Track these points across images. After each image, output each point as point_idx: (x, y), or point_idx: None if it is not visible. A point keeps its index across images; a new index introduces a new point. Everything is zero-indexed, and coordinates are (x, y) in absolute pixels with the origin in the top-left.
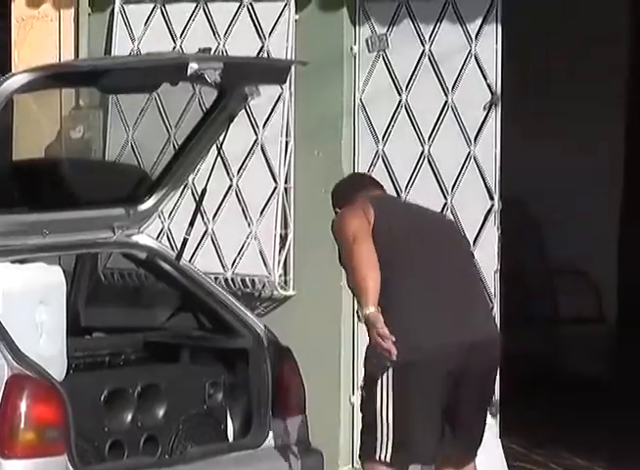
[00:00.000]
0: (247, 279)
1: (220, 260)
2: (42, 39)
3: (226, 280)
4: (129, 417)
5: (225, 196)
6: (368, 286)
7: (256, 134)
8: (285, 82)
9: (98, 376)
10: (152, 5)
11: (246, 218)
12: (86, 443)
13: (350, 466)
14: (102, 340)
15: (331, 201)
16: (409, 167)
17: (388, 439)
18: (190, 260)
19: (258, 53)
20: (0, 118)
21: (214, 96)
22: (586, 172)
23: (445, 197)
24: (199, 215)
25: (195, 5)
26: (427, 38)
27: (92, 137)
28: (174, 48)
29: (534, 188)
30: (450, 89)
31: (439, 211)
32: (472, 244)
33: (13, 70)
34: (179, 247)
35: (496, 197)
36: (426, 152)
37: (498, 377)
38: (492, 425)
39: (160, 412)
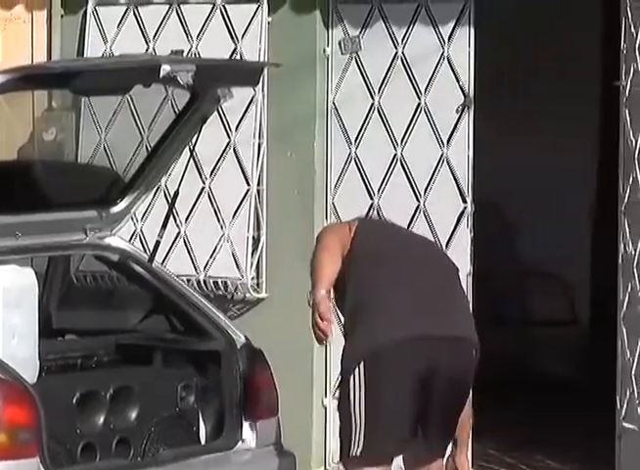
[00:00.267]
0: (219, 281)
1: (193, 263)
2: (15, 41)
3: (199, 282)
4: (101, 420)
5: (198, 198)
6: (324, 272)
7: (229, 136)
8: (257, 84)
9: (70, 378)
10: (124, 7)
11: (218, 221)
12: (58, 445)
13: (323, 468)
14: (74, 342)
15: None
16: (382, 170)
17: (360, 434)
18: (162, 263)
19: (231, 55)
20: None
21: (187, 98)
22: (559, 174)
23: (418, 199)
24: (171, 218)
25: (168, 7)
26: (399, 41)
27: (64, 139)
28: (147, 50)
29: (507, 190)
30: (423, 91)
31: (413, 213)
32: (444, 246)
33: None
34: (152, 249)
35: (469, 199)
36: (398, 154)
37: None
38: None
39: (133, 415)
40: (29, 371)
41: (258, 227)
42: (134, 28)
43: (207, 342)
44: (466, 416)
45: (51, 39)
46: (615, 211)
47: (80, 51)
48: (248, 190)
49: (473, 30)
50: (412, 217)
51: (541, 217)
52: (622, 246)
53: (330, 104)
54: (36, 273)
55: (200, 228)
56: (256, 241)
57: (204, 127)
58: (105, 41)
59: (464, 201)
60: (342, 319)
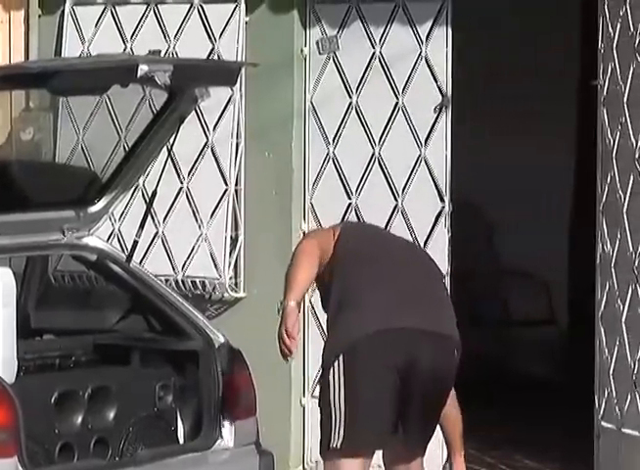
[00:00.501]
0: (197, 281)
1: (171, 263)
2: None
3: (177, 282)
4: (79, 419)
5: (176, 198)
6: (298, 278)
7: (207, 136)
8: (235, 84)
9: (48, 378)
10: (102, 7)
11: (196, 220)
12: (36, 445)
13: (301, 468)
14: (52, 342)
15: None
16: (360, 169)
17: (340, 427)
18: (140, 263)
19: (209, 55)
20: None
21: (164, 98)
22: (536, 173)
23: (396, 199)
24: (149, 218)
25: (145, 7)
26: (377, 40)
27: (42, 139)
28: (124, 50)
29: (484, 190)
30: (401, 91)
31: (391, 213)
32: (422, 246)
33: None
34: (129, 249)
35: (447, 199)
36: (376, 154)
37: None
38: None
39: (111, 415)
40: (8, 371)
41: (236, 227)
42: (111, 28)
43: (186, 342)
44: (457, 420)
45: (28, 39)
46: (592, 210)
47: (58, 51)
48: (225, 190)
49: (450, 30)
50: (390, 217)
51: (519, 217)
52: (600, 245)
53: (308, 103)
54: (14, 273)
55: (178, 228)
56: (234, 241)
57: (181, 127)
58: (82, 41)
59: (442, 200)
60: (326, 317)
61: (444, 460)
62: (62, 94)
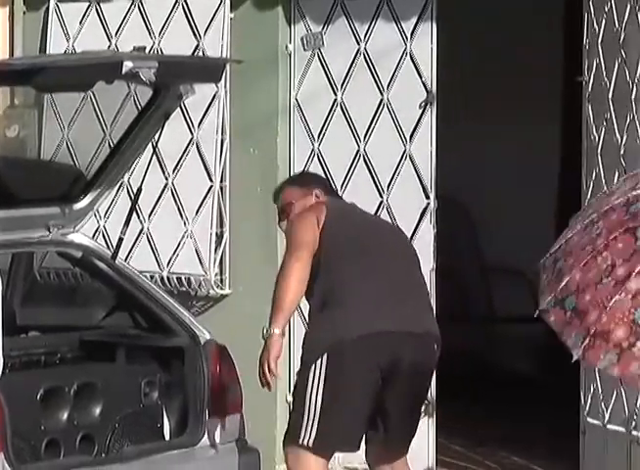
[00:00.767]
0: (182, 278)
1: (156, 259)
2: None
3: (162, 279)
4: (65, 416)
5: (161, 195)
6: (285, 306)
7: (192, 133)
8: (220, 81)
9: (34, 375)
10: (86, 3)
11: (181, 217)
12: (22, 441)
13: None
14: (38, 339)
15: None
16: (345, 166)
17: (313, 424)
18: (126, 259)
19: (194, 51)
20: None
21: (149, 95)
22: (522, 170)
23: (381, 195)
24: (134, 214)
25: (130, 3)
26: (362, 37)
27: (27, 136)
28: (109, 46)
29: (470, 186)
30: (386, 87)
31: (376, 209)
32: None
33: None
34: (115, 246)
35: (432, 195)
36: (361, 150)
37: (434, 375)
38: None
39: (97, 411)
40: None
41: (221, 224)
42: (96, 25)
43: (171, 338)
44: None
45: (13, 36)
46: (578, 206)
47: (43, 48)
48: (210, 186)
49: (435, 26)
50: (375, 213)
51: (505, 214)
52: None
53: (292, 100)
54: None
55: (163, 225)
56: (220, 237)
57: (166, 124)
58: (67, 38)
59: (427, 197)
60: (309, 308)
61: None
62: (47, 91)
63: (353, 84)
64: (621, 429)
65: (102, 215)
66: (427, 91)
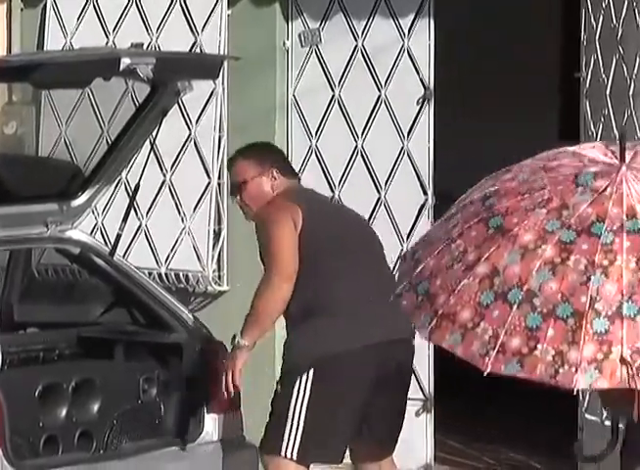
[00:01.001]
0: (180, 274)
1: (154, 256)
2: None
3: (160, 275)
4: (64, 412)
5: (159, 191)
6: (265, 324)
7: (189, 129)
8: (217, 77)
9: (32, 371)
10: (84, 0)
11: (179, 214)
12: (21, 438)
13: None
14: (36, 335)
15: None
16: (342, 162)
17: (296, 436)
18: (124, 256)
19: (191, 48)
20: None
21: (147, 91)
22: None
23: (379, 192)
24: (132, 211)
25: (127, 0)
26: (359, 33)
27: (25, 133)
28: (107, 43)
29: (469, 183)
30: (383, 84)
31: (374, 206)
32: (405, 238)
33: None
34: (113, 242)
35: (430, 192)
36: (359, 147)
37: (432, 372)
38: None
39: (95, 407)
40: None
41: (219, 220)
42: (94, 21)
43: (169, 334)
44: None
45: (10, 33)
46: None
47: (40, 44)
48: (208, 183)
49: (433, 23)
50: (373, 210)
51: None
52: None
53: (290, 97)
54: None
55: (161, 221)
56: (217, 234)
57: (164, 120)
58: (65, 34)
59: (425, 193)
60: (289, 314)
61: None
62: (44, 87)
63: (351, 81)
64: (620, 426)
65: (100, 212)
66: (424, 88)
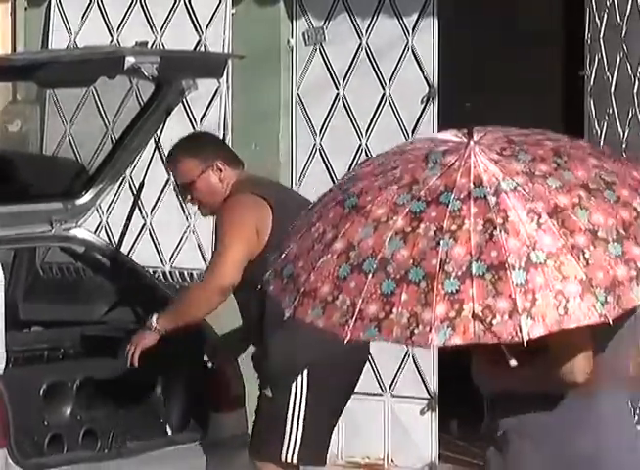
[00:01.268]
0: (185, 273)
1: (159, 254)
2: None
3: (164, 274)
4: (68, 411)
5: (163, 190)
6: (182, 319)
7: (194, 128)
8: (222, 76)
9: (37, 370)
10: None
11: (184, 212)
12: (26, 436)
13: None
14: (40, 334)
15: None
16: (347, 161)
17: (296, 440)
18: (128, 254)
19: (195, 47)
20: None
21: (151, 90)
22: None
23: None
24: (137, 209)
25: None
26: (364, 31)
27: (29, 131)
28: (111, 41)
29: None
30: (387, 82)
31: None
32: None
33: None
34: (117, 240)
35: None
36: (363, 145)
37: (436, 371)
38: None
39: (100, 406)
40: None
41: None
42: (98, 20)
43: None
44: None
45: (15, 31)
46: None
47: (45, 43)
48: None
49: (437, 21)
50: None
51: None
52: None
53: (294, 95)
54: (2, 265)
55: (165, 220)
56: None
57: (168, 119)
58: (69, 33)
59: None
60: (259, 323)
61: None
62: (49, 86)
63: (355, 79)
64: None
65: (104, 210)
66: (429, 86)
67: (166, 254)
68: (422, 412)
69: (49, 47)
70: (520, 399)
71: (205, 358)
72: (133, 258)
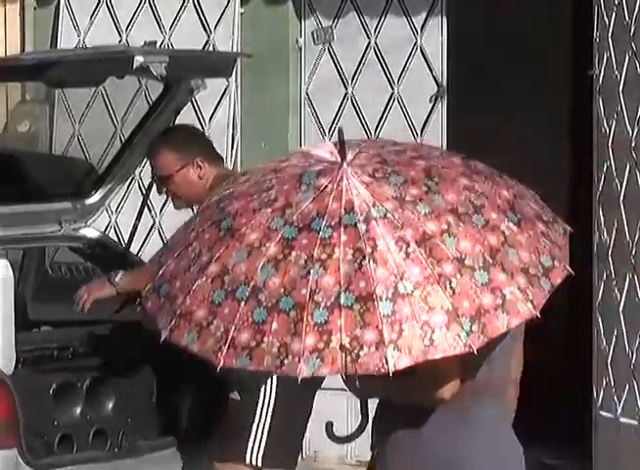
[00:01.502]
0: None
1: None
2: None
3: None
4: (78, 411)
5: None
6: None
7: (203, 127)
8: (230, 75)
9: (46, 370)
10: None
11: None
12: (36, 436)
13: (300, 458)
14: (50, 333)
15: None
16: None
17: (261, 443)
18: (137, 254)
19: (204, 46)
20: None
21: (160, 89)
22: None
23: None
24: (146, 209)
25: None
26: (372, 31)
27: (38, 131)
28: (120, 41)
29: None
30: (396, 82)
31: None
32: None
33: None
34: (126, 240)
35: None
36: None
37: None
38: None
39: (109, 406)
40: (6, 362)
41: None
42: (107, 20)
43: None
44: None
45: (24, 31)
46: (588, 197)
47: (53, 43)
48: None
49: (445, 20)
50: None
51: None
52: (597, 234)
53: (303, 94)
54: (12, 265)
55: (175, 220)
56: None
57: (177, 119)
58: (78, 33)
59: None
60: None
61: None
62: (58, 86)
63: (364, 78)
64: (634, 422)
65: (113, 210)
66: (437, 85)
67: None
68: None
69: (58, 47)
70: (392, 415)
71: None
72: (142, 257)
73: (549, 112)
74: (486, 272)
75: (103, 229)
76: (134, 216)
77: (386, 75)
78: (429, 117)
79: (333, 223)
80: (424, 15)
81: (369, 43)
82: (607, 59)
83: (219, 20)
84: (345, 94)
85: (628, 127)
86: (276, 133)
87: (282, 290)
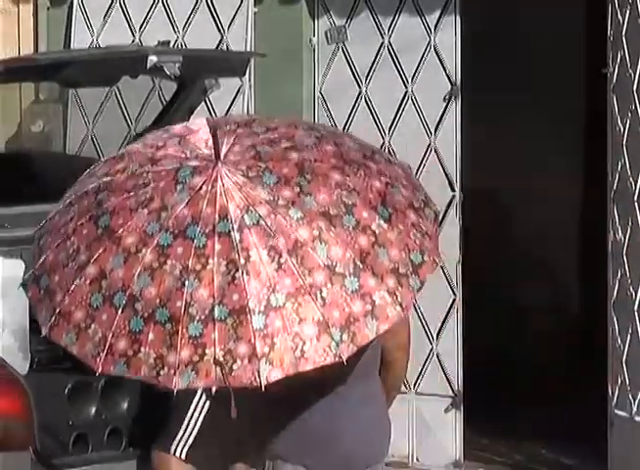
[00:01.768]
0: None
1: None
2: (1, 34)
3: None
4: (93, 410)
5: None
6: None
7: None
8: (244, 75)
9: (61, 369)
10: None
11: None
12: (51, 436)
13: None
14: None
15: None
16: None
17: (187, 441)
18: None
19: (218, 45)
20: None
21: (174, 89)
22: (547, 160)
23: None
24: None
25: None
26: (386, 30)
27: (52, 131)
28: (133, 41)
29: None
30: (410, 81)
31: None
32: None
33: None
34: None
35: (457, 188)
36: (386, 143)
37: (461, 369)
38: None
39: (124, 405)
40: (20, 363)
41: None
42: (120, 19)
43: None
44: None
45: (37, 31)
46: (602, 196)
47: (67, 43)
48: None
49: (459, 19)
50: None
51: (530, 205)
52: (612, 233)
53: (317, 94)
54: (26, 265)
55: None
56: None
57: (191, 118)
58: (91, 32)
59: (452, 189)
60: None
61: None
62: (71, 86)
63: (378, 78)
64: None
65: None
66: (451, 84)
67: None
68: (446, 410)
69: (71, 47)
70: (274, 411)
71: None
72: None
73: (564, 110)
74: (357, 278)
75: None
76: None
77: (399, 75)
78: (442, 116)
79: (207, 231)
80: (437, 14)
81: (383, 42)
82: (621, 57)
83: (233, 19)
84: (359, 93)
85: None
86: None
87: (158, 301)
